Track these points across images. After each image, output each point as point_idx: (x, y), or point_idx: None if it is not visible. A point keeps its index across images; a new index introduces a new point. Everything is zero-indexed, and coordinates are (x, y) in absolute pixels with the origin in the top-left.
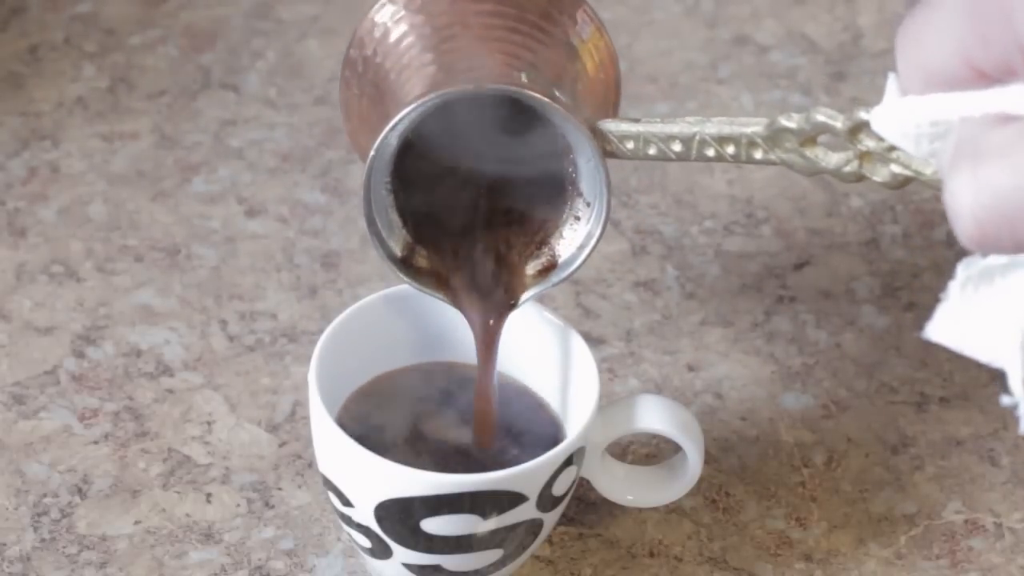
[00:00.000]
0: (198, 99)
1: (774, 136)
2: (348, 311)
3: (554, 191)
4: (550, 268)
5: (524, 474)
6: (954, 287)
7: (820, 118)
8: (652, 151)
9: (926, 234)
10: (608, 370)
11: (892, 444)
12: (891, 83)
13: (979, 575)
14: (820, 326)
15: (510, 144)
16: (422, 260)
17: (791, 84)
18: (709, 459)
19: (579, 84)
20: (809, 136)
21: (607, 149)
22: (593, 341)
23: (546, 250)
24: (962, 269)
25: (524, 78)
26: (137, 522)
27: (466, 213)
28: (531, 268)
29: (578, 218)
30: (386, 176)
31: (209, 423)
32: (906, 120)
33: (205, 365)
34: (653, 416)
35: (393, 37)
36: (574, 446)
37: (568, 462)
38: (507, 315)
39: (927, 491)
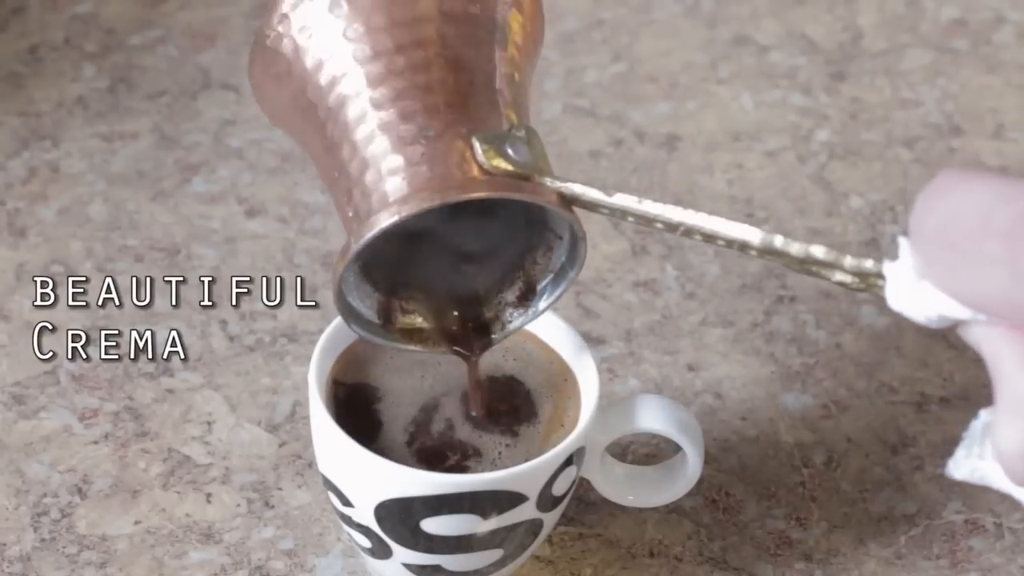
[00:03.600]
0: (198, 99)
1: (768, 250)
2: None
3: (522, 223)
4: (528, 295)
5: (524, 474)
6: (975, 429)
7: (819, 256)
8: (631, 219)
9: None
10: (608, 370)
11: (892, 444)
12: (904, 252)
13: (979, 575)
14: (820, 326)
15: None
16: (399, 315)
17: (791, 84)
18: (709, 459)
19: (517, 71)
20: (807, 261)
21: (579, 204)
22: (593, 341)
23: (521, 274)
24: (984, 414)
25: (477, 147)
26: (137, 522)
27: (433, 258)
28: (509, 295)
29: (551, 247)
30: (351, 263)
31: (209, 423)
32: (925, 307)
33: (205, 365)
34: (653, 416)
35: (308, 62)
36: (574, 446)
37: (568, 462)
38: (488, 348)
39: (927, 491)
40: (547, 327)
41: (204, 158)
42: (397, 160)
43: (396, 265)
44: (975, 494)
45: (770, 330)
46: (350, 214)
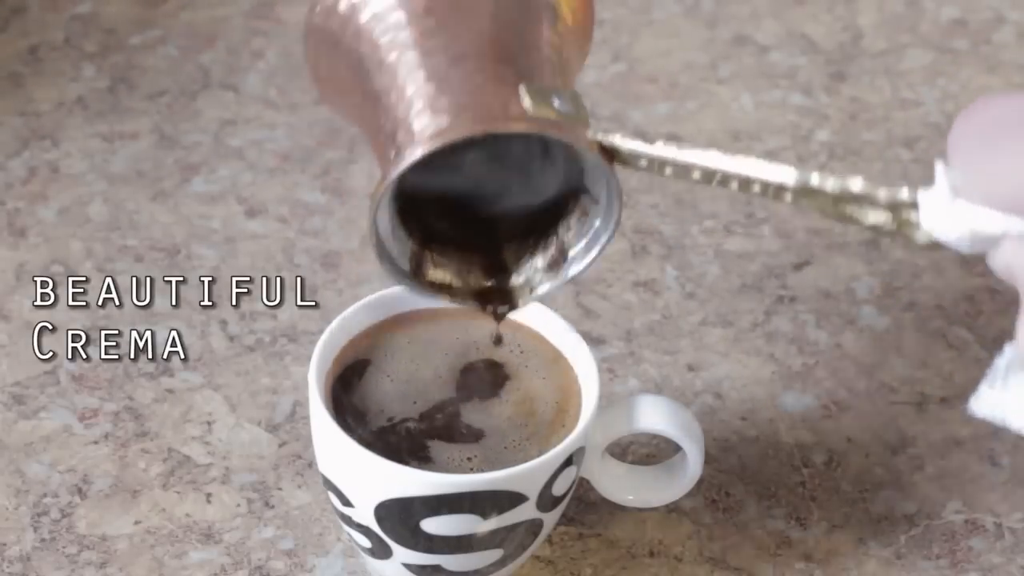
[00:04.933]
0: (198, 99)
1: (803, 190)
2: (348, 311)
3: (559, 185)
4: (559, 261)
5: (524, 474)
6: (999, 365)
7: (856, 190)
8: (668, 171)
9: None
10: (608, 370)
11: (892, 444)
12: (940, 174)
13: (979, 575)
14: (820, 326)
15: (511, 147)
16: (431, 268)
17: (791, 84)
18: (709, 459)
19: (564, 51)
20: (842, 198)
21: (618, 158)
22: (593, 341)
23: (554, 240)
24: (1009, 350)
25: (524, 94)
26: (137, 522)
27: (471, 210)
28: (540, 260)
29: (586, 213)
30: (389, 202)
31: (209, 423)
32: (958, 225)
33: (205, 365)
34: (653, 416)
35: (363, 18)
36: (574, 446)
37: (568, 462)
38: (514, 310)
39: (927, 491)
40: (548, 326)
41: (204, 158)
42: (442, 100)
43: (432, 214)
44: (975, 494)
45: (770, 330)
46: (392, 155)
